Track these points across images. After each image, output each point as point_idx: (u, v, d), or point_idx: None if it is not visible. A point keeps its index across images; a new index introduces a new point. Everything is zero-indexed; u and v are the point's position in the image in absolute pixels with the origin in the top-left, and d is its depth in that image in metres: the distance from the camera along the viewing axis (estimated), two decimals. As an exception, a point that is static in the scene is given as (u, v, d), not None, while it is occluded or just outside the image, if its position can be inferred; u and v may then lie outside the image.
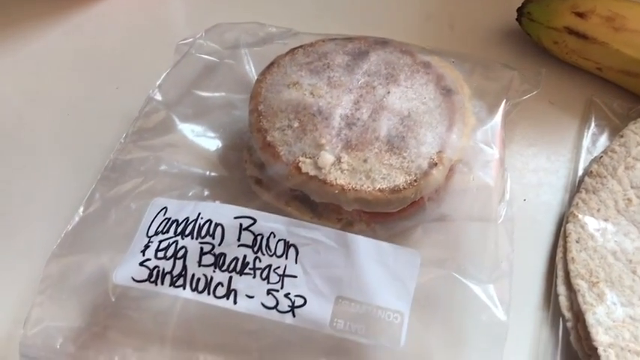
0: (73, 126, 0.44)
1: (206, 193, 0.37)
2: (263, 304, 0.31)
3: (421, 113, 0.35)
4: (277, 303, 0.31)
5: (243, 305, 0.31)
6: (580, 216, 0.37)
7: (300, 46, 0.40)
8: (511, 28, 0.49)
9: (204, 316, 0.32)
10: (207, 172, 0.38)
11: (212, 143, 0.40)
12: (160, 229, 0.33)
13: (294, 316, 0.30)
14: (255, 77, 0.39)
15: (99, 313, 0.33)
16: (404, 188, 0.33)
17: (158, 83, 0.41)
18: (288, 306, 0.31)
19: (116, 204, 0.36)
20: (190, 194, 0.37)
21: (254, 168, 0.37)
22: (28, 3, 0.52)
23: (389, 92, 0.36)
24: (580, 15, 0.43)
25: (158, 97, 0.41)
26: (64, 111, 0.45)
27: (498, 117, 0.37)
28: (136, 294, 0.32)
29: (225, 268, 0.32)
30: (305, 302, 0.31)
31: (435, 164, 0.34)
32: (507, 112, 0.38)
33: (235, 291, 0.31)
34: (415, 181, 0.33)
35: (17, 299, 0.35)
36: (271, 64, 0.39)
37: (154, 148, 0.38)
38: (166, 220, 0.33)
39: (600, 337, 0.31)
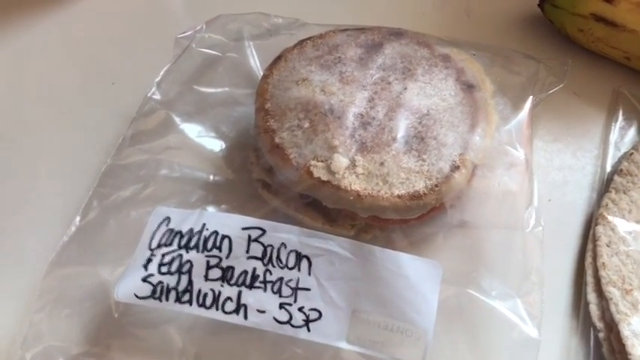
0: (68, 125, 0.42)
1: (210, 197, 0.35)
2: (275, 319, 0.29)
3: (441, 111, 0.33)
4: (291, 317, 0.29)
5: (255, 321, 0.29)
6: (610, 218, 0.35)
7: (309, 38, 0.37)
8: (532, 14, 0.47)
9: (214, 333, 0.30)
10: (211, 176, 0.36)
11: (215, 143, 0.37)
12: (162, 241, 0.31)
13: (309, 330, 0.29)
14: (261, 72, 0.37)
15: (101, 330, 0.31)
16: (424, 194, 0.31)
17: (156, 80, 0.39)
18: (303, 320, 0.29)
19: (115, 213, 0.34)
20: (194, 199, 0.35)
21: (261, 171, 0.35)
22: (18, -8, 0.50)
23: (406, 88, 0.34)
24: (608, 0, 0.40)
25: (157, 96, 0.38)
26: (57, 108, 0.43)
27: (524, 114, 0.35)
28: (141, 308, 0.31)
29: (233, 282, 0.30)
30: (320, 316, 0.29)
31: (458, 167, 0.31)
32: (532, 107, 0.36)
33: (245, 306, 0.29)
34: (436, 185, 0.31)
35: (12, 313, 0.33)
36: (278, 59, 0.36)
37: (153, 151, 0.36)
38: (169, 232, 0.31)
39: (636, 350, 0.30)
